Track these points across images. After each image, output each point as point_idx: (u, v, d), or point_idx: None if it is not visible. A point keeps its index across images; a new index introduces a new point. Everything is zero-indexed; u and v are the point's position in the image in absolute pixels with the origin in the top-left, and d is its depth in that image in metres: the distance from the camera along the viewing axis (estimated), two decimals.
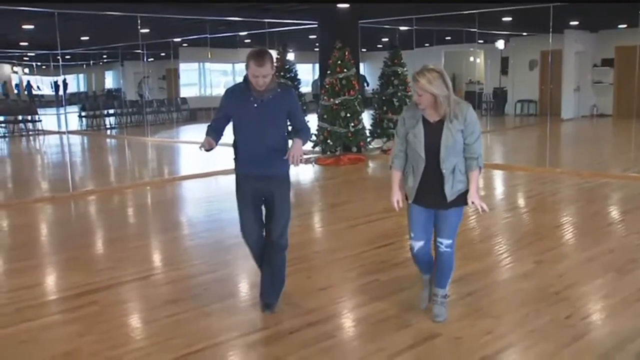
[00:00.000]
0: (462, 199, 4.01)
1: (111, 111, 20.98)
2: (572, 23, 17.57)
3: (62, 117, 19.51)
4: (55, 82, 26.72)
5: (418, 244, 4.14)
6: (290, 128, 4.45)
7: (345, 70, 11.65)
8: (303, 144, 4.24)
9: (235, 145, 4.39)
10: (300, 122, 4.43)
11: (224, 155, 13.28)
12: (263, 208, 4.44)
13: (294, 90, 4.58)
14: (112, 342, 4.03)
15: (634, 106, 13.01)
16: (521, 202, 8.26)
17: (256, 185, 4.31)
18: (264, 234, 4.44)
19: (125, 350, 3.91)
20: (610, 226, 6.96)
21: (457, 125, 3.88)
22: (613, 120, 19.08)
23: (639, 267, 5.32)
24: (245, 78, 4.22)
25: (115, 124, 20.64)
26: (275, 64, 9.93)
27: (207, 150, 4.27)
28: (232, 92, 4.37)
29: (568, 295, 4.67)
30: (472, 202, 3.96)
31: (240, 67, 24.97)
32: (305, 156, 4.37)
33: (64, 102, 20.15)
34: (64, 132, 17.08)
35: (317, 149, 12.01)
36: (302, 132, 4.34)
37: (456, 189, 3.97)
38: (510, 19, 15.70)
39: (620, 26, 17.95)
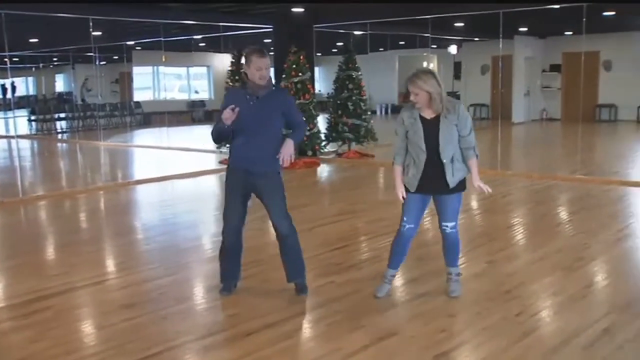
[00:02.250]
0: (462, 185, 4.50)
1: (62, 115, 20.58)
2: (521, 29, 18.02)
3: (11, 121, 19.05)
4: (3, 85, 26.07)
5: (409, 225, 4.57)
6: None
7: (300, 74, 11.72)
8: (295, 144, 4.53)
9: (231, 141, 4.63)
10: (296, 118, 4.70)
11: (179, 160, 13.16)
12: (249, 203, 4.74)
13: (287, 90, 4.92)
14: (67, 347, 3.98)
15: (580, 110, 13.44)
16: (474, 204, 8.43)
17: (246, 179, 4.57)
18: (275, 230, 4.74)
19: (81, 356, 3.86)
20: (558, 226, 7.17)
21: (452, 119, 4.33)
22: (561, 124, 19.63)
23: (586, 265, 5.52)
24: (242, 80, 4.48)
25: (66, 128, 20.25)
26: (230, 68, 10.03)
27: (227, 126, 4.41)
28: (230, 93, 4.80)
29: (519, 293, 4.81)
30: (478, 186, 4.50)
31: (195, 71, 24.87)
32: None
33: (12, 106, 19.69)
34: (12, 137, 16.68)
35: None
36: (297, 129, 4.64)
37: (457, 177, 4.42)
38: (462, 24, 16.02)
39: (566, 33, 18.50)
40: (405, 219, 4.57)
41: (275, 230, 4.71)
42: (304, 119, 4.92)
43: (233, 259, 4.83)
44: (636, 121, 18.91)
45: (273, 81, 4.75)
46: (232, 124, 4.40)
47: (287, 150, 4.44)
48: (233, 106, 4.36)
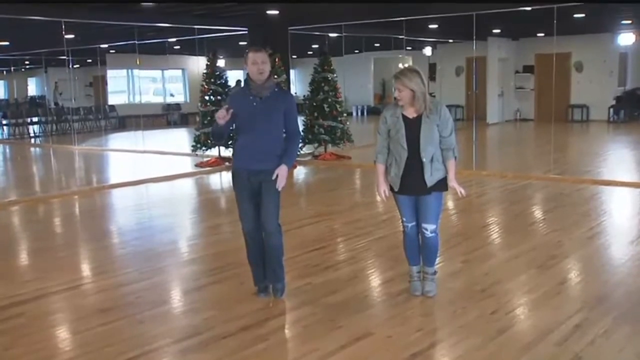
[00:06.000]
0: (441, 186, 4.51)
1: (35, 119, 20.35)
2: (494, 31, 18.21)
3: None
4: None
5: (410, 224, 4.64)
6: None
7: (275, 76, 11.69)
8: (289, 168, 4.58)
9: (234, 142, 4.69)
10: (293, 124, 4.71)
11: (154, 163, 13.08)
12: None
13: (291, 93, 4.96)
14: (41, 354, 3.94)
15: (553, 111, 13.62)
16: (450, 204, 8.48)
17: (250, 179, 4.56)
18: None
19: None
20: (532, 225, 7.26)
21: (434, 119, 4.40)
22: (535, 124, 19.87)
23: (559, 263, 5.60)
24: (246, 81, 4.56)
25: (40, 133, 20.01)
26: (205, 71, 9.94)
27: (220, 125, 4.43)
28: (234, 94, 4.83)
29: (494, 292, 4.86)
30: (452, 186, 4.51)
31: (170, 74, 24.69)
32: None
33: None
34: None
35: None
36: (290, 142, 4.65)
37: (435, 177, 4.45)
38: (436, 26, 16.13)
39: (538, 34, 18.72)
40: (404, 219, 4.64)
41: (263, 229, 4.66)
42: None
43: (259, 261, 4.79)
44: (607, 121, 19.21)
45: (275, 82, 4.76)
46: (227, 124, 4.44)
47: (282, 176, 4.47)
48: (227, 106, 4.39)
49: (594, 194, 8.73)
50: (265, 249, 4.71)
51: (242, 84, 4.65)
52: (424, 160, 4.40)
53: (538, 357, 3.73)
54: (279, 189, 4.53)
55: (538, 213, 8.12)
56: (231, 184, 4.80)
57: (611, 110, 19.25)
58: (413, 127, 4.39)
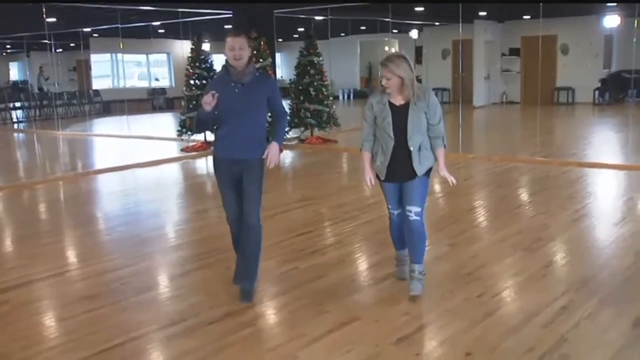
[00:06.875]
0: (428, 171, 4.40)
1: (18, 104, 20.12)
2: (480, 13, 18.16)
3: None
4: None
5: (396, 212, 4.55)
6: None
7: (261, 60, 11.61)
8: (280, 145, 4.47)
9: (216, 129, 4.55)
10: (279, 106, 4.61)
11: (139, 148, 12.99)
12: None
13: (273, 76, 4.77)
14: (25, 341, 3.90)
15: (539, 93, 13.66)
16: (436, 187, 8.48)
17: (232, 168, 4.43)
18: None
19: (40, 349, 3.79)
20: (518, 208, 7.28)
21: (422, 106, 4.25)
22: (521, 107, 19.91)
23: (545, 246, 5.62)
24: (225, 66, 4.44)
25: (23, 118, 19.80)
26: (190, 55, 9.82)
27: (206, 112, 4.25)
28: (215, 80, 4.71)
29: (480, 275, 4.87)
30: (443, 175, 4.41)
31: (155, 58, 24.47)
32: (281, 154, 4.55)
33: None
34: None
35: None
36: (278, 122, 4.60)
37: (425, 165, 4.35)
38: (422, 9, 16.07)
39: (524, 17, 18.72)
40: (390, 206, 4.55)
41: (244, 221, 4.50)
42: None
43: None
44: (592, 103, 19.29)
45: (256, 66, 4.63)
46: (212, 110, 4.25)
47: (274, 155, 4.37)
48: (214, 92, 4.23)
49: (579, 177, 8.77)
50: (243, 240, 4.49)
51: (224, 70, 4.51)
52: (411, 149, 4.26)
53: (524, 339, 3.74)
54: (271, 167, 4.41)
55: (524, 196, 8.15)
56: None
57: (596, 92, 19.33)
58: (400, 115, 4.25)
